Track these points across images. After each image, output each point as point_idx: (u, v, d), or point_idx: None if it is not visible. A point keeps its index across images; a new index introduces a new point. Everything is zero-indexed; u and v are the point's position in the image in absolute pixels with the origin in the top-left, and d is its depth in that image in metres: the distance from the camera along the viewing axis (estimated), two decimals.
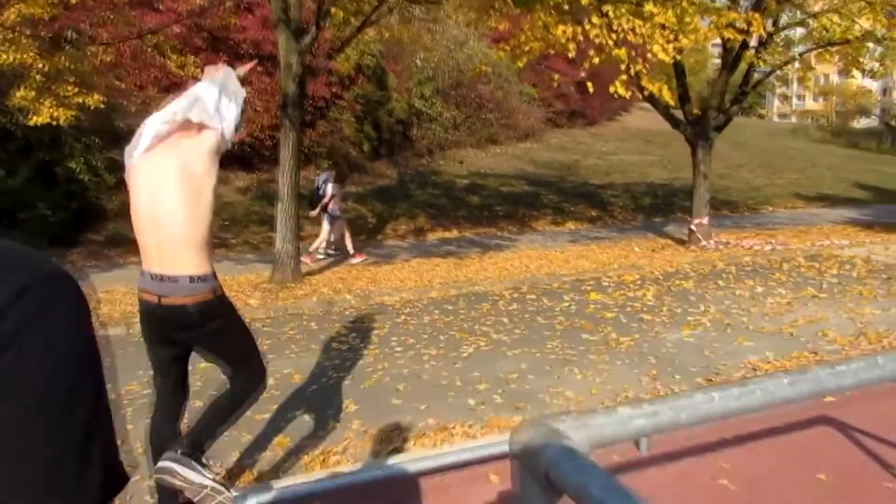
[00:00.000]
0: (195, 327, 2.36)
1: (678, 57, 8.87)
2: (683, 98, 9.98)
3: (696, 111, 9.86)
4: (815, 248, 10.00)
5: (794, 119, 73.94)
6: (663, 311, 6.34)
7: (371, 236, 13.15)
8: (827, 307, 6.34)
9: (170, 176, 2.30)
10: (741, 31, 7.84)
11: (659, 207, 16.46)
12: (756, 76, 10.08)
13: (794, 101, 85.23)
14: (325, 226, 9.85)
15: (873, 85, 66.27)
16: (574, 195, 17.73)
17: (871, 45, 9.65)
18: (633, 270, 8.64)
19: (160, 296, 2.30)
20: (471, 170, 20.23)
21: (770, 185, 20.78)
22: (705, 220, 10.53)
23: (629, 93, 7.91)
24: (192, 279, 2.29)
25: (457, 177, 19.09)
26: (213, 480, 2.32)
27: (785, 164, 25.34)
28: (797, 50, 9.48)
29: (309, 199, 9.89)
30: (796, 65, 9.74)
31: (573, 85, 28.25)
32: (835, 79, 49.24)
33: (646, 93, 8.42)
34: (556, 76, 9.79)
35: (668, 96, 8.16)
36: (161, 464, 2.28)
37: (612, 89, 7.86)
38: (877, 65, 10.06)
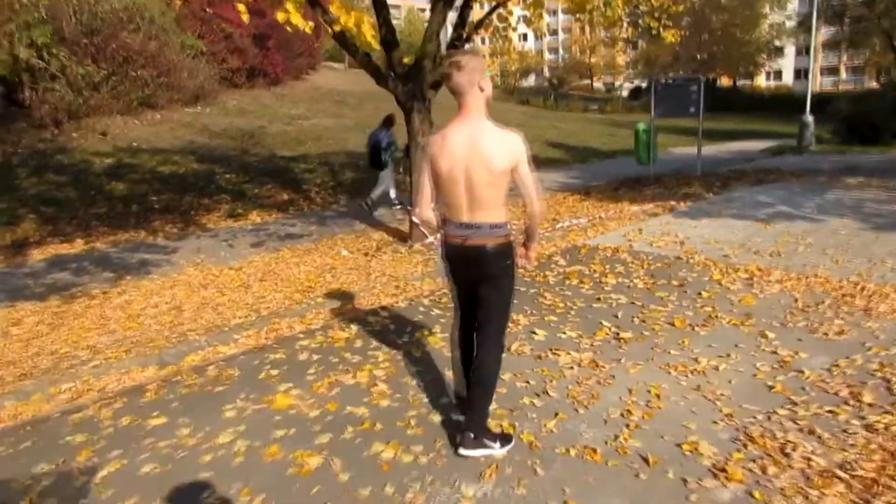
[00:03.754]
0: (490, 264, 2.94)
1: None
2: (389, 42, 7.10)
3: (406, 60, 7.06)
4: (558, 233, 8.08)
5: None
6: (417, 432, 3.40)
7: None
8: (648, 362, 4.05)
9: None
10: None
11: (364, 182, 13.74)
12: (475, 15, 7.64)
13: None
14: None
15: (532, 46, 73.02)
16: (260, 172, 14.14)
17: None
18: (344, 308, 5.61)
19: (465, 238, 2.93)
20: (119, 144, 15.25)
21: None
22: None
23: (309, 25, 4.69)
24: (491, 226, 2.90)
25: (97, 155, 14.07)
26: (500, 445, 3.07)
27: None
28: None
29: (370, 156, 10.38)
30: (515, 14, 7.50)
31: (249, 37, 24.20)
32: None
33: (336, 27, 5.31)
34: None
35: (369, 35, 5.14)
36: (462, 451, 3.02)
37: (280, 17, 4.57)
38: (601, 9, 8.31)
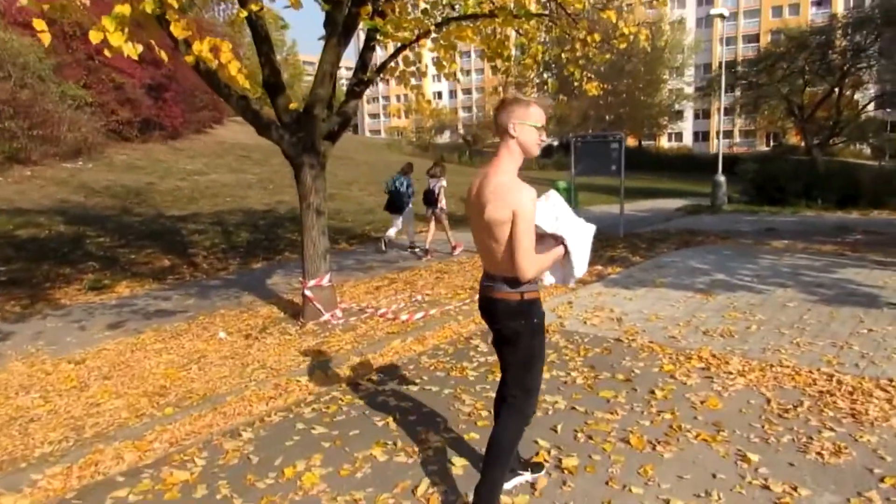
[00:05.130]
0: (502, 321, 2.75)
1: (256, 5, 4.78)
2: (273, 85, 5.95)
3: (294, 106, 5.90)
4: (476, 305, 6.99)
5: (384, 135, 78.62)
6: None
7: None
8: None
9: None
10: None
11: (260, 245, 12.35)
12: (378, 55, 6.63)
13: (382, 118, 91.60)
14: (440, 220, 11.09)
15: (447, 104, 74.03)
16: (140, 234, 12.46)
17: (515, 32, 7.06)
18: (198, 424, 4.22)
19: (487, 289, 2.79)
20: None
21: (384, 204, 18.51)
22: (325, 280, 6.70)
23: (134, 49, 3.47)
24: (505, 279, 2.67)
25: None
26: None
27: None
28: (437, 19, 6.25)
29: (425, 198, 11.12)
30: (429, 44, 6.54)
31: (143, 88, 22.50)
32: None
33: (188, 58, 4.11)
34: None
35: (235, 69, 3.97)
36: None
37: (93, 36, 3.34)
38: (515, 58, 7.54)
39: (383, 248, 11.47)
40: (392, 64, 6.65)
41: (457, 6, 6.90)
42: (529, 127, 2.61)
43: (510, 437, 2.80)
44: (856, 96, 28.09)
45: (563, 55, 7.21)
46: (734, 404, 4.05)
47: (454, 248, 11.21)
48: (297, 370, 5.20)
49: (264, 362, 5.60)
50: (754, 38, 60.99)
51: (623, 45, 6.90)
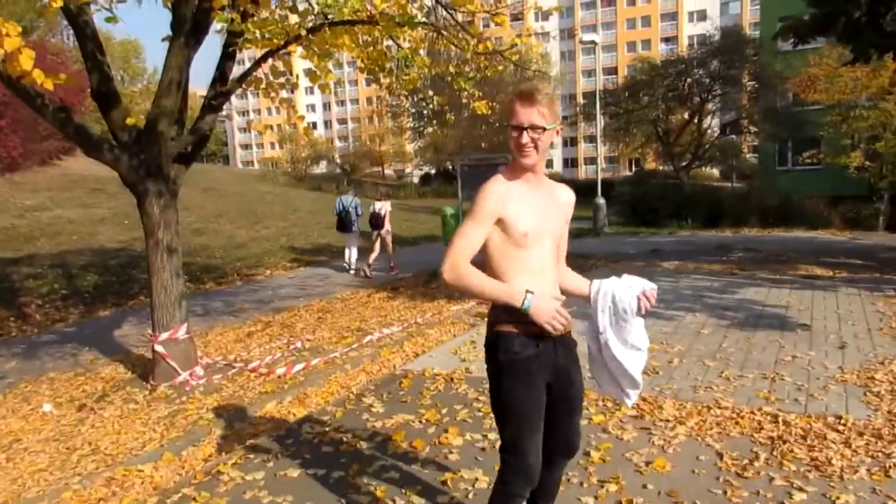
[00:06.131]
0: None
1: None
2: (105, 96, 4.80)
3: (132, 121, 4.77)
4: (367, 353, 6.08)
5: (257, 166, 75.64)
6: None
7: None
8: None
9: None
10: None
11: (110, 289, 10.72)
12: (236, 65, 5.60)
13: (255, 148, 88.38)
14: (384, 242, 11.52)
15: (323, 134, 72.68)
16: None
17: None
18: None
19: None
20: None
21: (257, 238, 17.15)
22: (182, 332, 5.52)
23: None
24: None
25: None
26: None
27: (266, 212, 22.37)
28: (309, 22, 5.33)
29: (371, 221, 11.45)
30: (299, 52, 5.63)
31: None
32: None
33: None
34: None
35: (27, 60, 2.90)
36: None
37: None
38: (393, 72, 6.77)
39: (350, 270, 11.88)
40: (258, 75, 5.69)
41: (330, 15, 6.06)
42: (508, 127, 2.12)
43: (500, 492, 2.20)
44: (712, 122, 30.00)
45: (450, 69, 6.55)
46: (683, 464, 3.41)
47: (392, 268, 11.74)
48: (139, 455, 4.05)
49: (97, 445, 4.38)
50: (612, 71, 64.71)
51: (515, 57, 6.35)
